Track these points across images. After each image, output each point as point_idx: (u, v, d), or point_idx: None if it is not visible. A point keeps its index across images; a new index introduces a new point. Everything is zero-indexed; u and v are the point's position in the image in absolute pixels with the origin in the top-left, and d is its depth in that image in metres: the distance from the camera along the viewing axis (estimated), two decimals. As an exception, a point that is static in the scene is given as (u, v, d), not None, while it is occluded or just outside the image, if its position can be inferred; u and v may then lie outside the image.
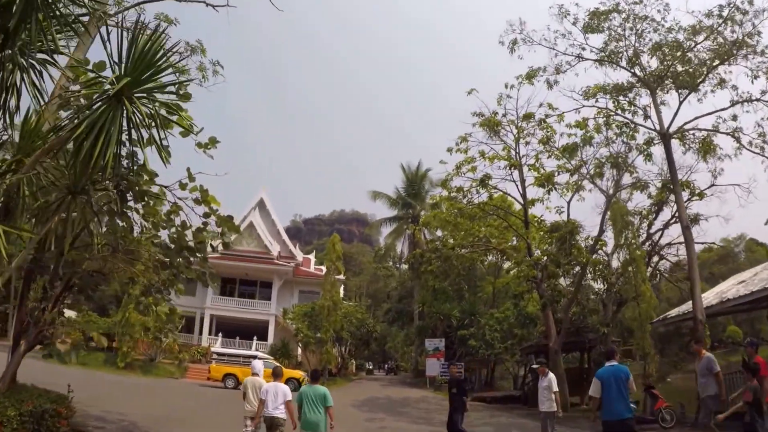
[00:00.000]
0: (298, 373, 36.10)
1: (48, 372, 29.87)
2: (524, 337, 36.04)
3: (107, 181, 11.62)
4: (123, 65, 8.63)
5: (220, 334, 53.14)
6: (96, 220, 12.76)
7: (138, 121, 8.96)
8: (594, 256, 27.06)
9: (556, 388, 14.91)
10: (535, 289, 28.44)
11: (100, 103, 9.00)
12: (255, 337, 52.81)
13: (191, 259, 12.96)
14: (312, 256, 67.76)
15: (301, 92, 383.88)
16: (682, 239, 28.57)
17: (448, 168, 28.78)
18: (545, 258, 27.15)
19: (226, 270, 57.13)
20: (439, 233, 38.74)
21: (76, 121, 9.23)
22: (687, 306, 25.00)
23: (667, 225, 28.10)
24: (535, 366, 15.72)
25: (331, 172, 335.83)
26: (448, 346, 42.29)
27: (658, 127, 24.71)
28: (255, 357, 36.42)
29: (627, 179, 27.46)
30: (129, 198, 12.18)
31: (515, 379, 43.94)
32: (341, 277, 61.00)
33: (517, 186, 28.77)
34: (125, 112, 8.78)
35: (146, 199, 12.32)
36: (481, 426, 21.70)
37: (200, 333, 55.27)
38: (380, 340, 63.98)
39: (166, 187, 13.04)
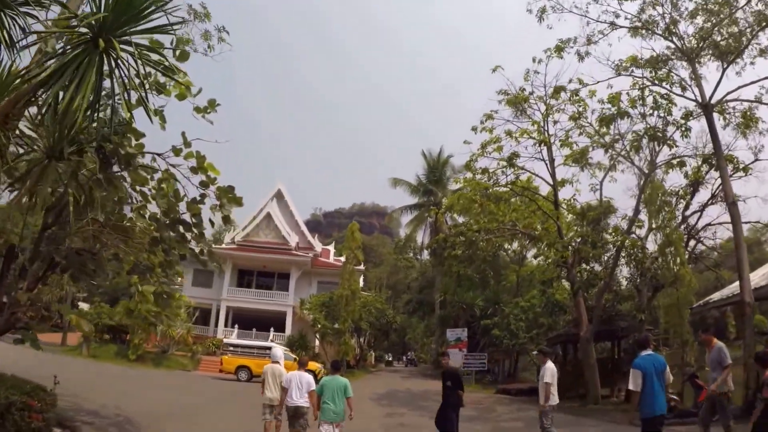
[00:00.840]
0: (315, 365, 34.67)
1: (54, 364, 28.82)
2: (551, 327, 34.22)
3: (89, 144, 10.17)
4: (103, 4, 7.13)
5: (236, 326, 51.92)
6: (80, 188, 11.36)
7: (122, 74, 7.67)
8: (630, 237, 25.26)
9: (547, 379, 13.03)
10: (565, 275, 26.59)
11: (71, 48, 7.53)
12: (272, 329, 51.64)
13: (186, 235, 11.34)
14: (331, 247, 66.32)
15: (321, 86, 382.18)
16: (721, 219, 26.72)
17: (473, 148, 27.01)
18: (578, 240, 25.22)
19: (244, 261, 56.34)
20: (461, 219, 37.02)
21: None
22: (729, 289, 23.08)
23: (706, 204, 26.01)
24: (535, 353, 13.81)
25: (352, 165, 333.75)
26: (470, 336, 40.42)
27: (699, 99, 22.79)
28: (269, 348, 35.11)
29: (663, 157, 25.44)
30: (113, 163, 10.62)
31: (539, 370, 42.19)
32: (361, 267, 59.64)
33: (546, 165, 26.91)
34: (105, 59, 7.30)
35: (133, 164, 10.75)
36: (509, 421, 20.00)
37: (216, 325, 54.20)
38: (400, 331, 62.31)
39: (158, 154, 11.51)
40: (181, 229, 11.27)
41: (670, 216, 24.78)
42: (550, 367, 13.17)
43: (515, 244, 41.15)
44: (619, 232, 24.93)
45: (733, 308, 23.39)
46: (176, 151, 11.30)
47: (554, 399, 13.10)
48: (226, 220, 11.32)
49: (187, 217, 11.53)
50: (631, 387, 9.39)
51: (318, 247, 61.23)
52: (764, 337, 23.94)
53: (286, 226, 57.20)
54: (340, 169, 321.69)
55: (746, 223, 26.17)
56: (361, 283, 57.77)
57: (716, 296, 23.71)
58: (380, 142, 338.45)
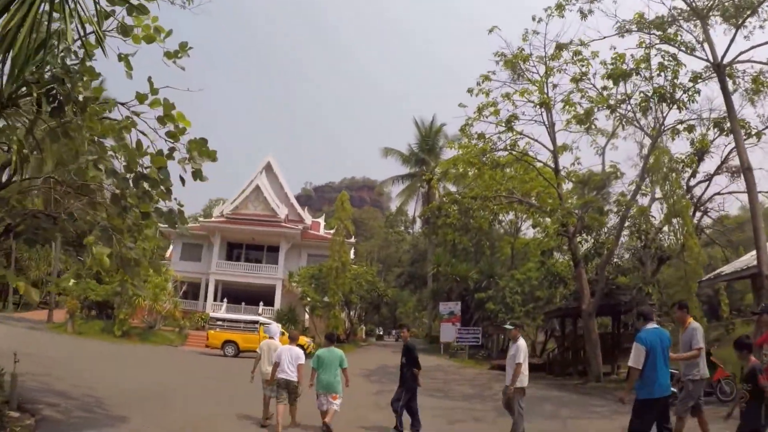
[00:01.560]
0: (303, 340, 33.45)
1: (35, 341, 27.50)
2: (549, 300, 32.90)
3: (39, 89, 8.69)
4: None
5: (225, 300, 50.64)
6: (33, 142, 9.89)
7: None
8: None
9: (520, 359, 11.06)
10: (567, 244, 25.13)
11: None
12: (261, 303, 50.55)
13: (152, 191, 9.80)
14: (321, 220, 64.89)
15: (310, 59, 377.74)
16: (730, 189, 25.40)
17: (469, 112, 25.37)
18: (582, 206, 23.73)
19: (233, 234, 54.99)
20: (455, 189, 35.48)
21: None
22: (742, 262, 21.74)
23: (716, 171, 24.65)
24: (508, 327, 11.92)
25: (343, 139, 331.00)
26: (464, 310, 39.10)
27: (710, 59, 21.23)
28: (256, 322, 33.94)
29: (670, 122, 23.85)
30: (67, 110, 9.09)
31: (533, 345, 40.93)
32: (351, 240, 58.28)
33: (546, 129, 25.30)
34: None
35: (90, 111, 9.22)
36: (509, 399, 18.64)
37: (205, 299, 52.81)
38: (391, 305, 61.10)
39: (122, 103, 9.98)
40: (145, 185, 9.72)
41: (676, 184, 23.40)
42: (522, 344, 11.40)
43: (510, 215, 39.74)
44: (625, 198, 23.48)
45: (752, 281, 21.97)
46: (141, 98, 9.74)
47: (525, 380, 11.38)
48: (197, 175, 9.77)
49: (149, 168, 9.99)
50: (631, 363, 8.13)
51: (308, 219, 59.70)
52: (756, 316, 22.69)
53: (276, 198, 55.74)
54: (331, 143, 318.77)
55: (763, 192, 24.96)
56: (352, 257, 56.56)
57: (727, 269, 22.30)
58: (372, 115, 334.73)
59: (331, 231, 49.89)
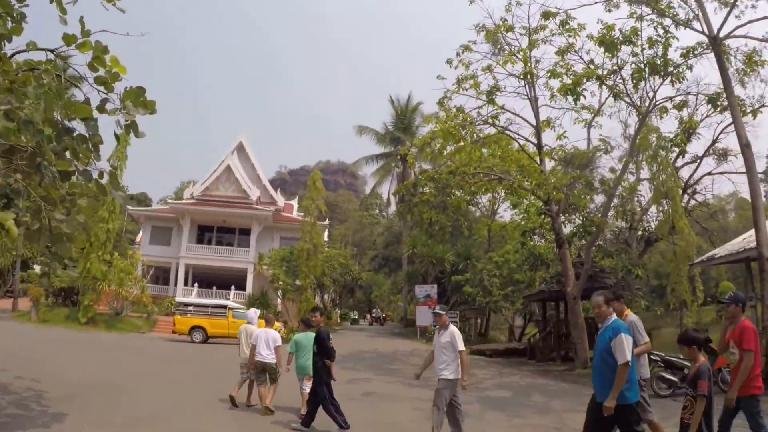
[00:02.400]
0: (275, 325, 31.59)
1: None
2: (530, 283, 31.43)
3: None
4: None
5: (195, 285, 48.66)
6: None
7: None
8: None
9: (461, 346, 9.32)
10: (550, 224, 23.51)
11: None
12: (233, 287, 48.65)
13: (76, 148, 7.98)
14: (295, 203, 62.71)
15: (286, 40, 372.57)
16: (721, 169, 24.09)
17: (448, 84, 23.62)
18: (567, 183, 22.06)
19: (203, 216, 52.92)
20: (430, 168, 33.61)
21: None
22: (737, 244, 20.35)
23: (706, 152, 23.29)
24: (439, 312, 9.95)
25: (320, 122, 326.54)
26: (440, 293, 37.53)
27: (706, 32, 19.68)
28: (224, 307, 32.21)
29: (660, 98, 22.30)
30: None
31: (511, 329, 39.62)
32: (325, 223, 56.48)
33: (530, 102, 23.58)
34: None
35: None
36: (494, 389, 17.07)
37: (176, 284, 50.66)
38: (366, 288, 59.50)
39: (51, 51, 8.15)
40: (70, 141, 7.90)
41: (665, 163, 21.96)
42: (457, 331, 9.64)
43: (488, 196, 38.21)
44: (616, 173, 22.00)
45: (745, 265, 20.57)
46: (68, 39, 7.88)
47: (458, 371, 9.53)
48: (132, 129, 7.93)
49: (81, 129, 8.14)
50: (626, 359, 6.26)
51: (280, 201, 57.68)
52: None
53: (248, 179, 53.72)
54: (308, 127, 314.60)
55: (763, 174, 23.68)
56: (326, 239, 54.84)
57: (721, 251, 20.85)
58: (350, 97, 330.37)
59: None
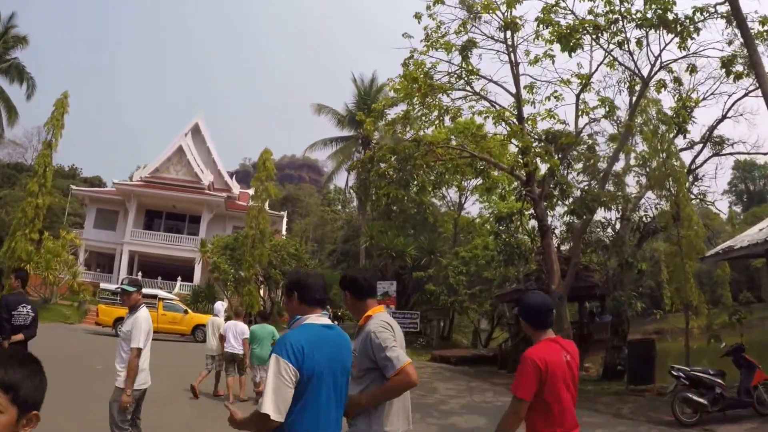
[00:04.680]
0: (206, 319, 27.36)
1: None
2: (502, 282, 26.91)
3: None
4: None
5: (140, 274, 43.41)
6: None
7: None
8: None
9: (141, 341, 6.08)
10: (532, 209, 18.91)
11: None
12: (179, 278, 43.81)
13: None
14: (251, 191, 57.58)
15: (259, 33, 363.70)
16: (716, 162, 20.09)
17: (414, 43, 19.08)
18: (558, 150, 17.55)
19: (150, 200, 47.72)
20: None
21: None
22: (751, 235, 16.15)
23: (720, 120, 19.00)
24: (128, 288, 5.91)
25: (285, 116, 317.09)
26: (400, 291, 32.80)
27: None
28: (155, 296, 27.62)
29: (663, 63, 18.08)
30: None
31: (475, 333, 35.00)
32: (282, 213, 51.56)
33: (511, 65, 19.02)
34: None
35: None
36: (461, 412, 12.45)
37: (119, 272, 45.29)
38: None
39: None
40: None
41: (667, 141, 17.73)
42: (145, 316, 6.18)
43: (453, 192, 33.71)
44: (618, 137, 17.45)
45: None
46: None
47: (144, 377, 6.35)
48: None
49: None
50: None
51: (236, 189, 52.68)
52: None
53: (201, 163, 48.53)
54: (271, 119, 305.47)
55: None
56: (284, 233, 50.04)
57: (736, 243, 16.55)
58: (316, 92, 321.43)
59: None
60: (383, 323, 3.76)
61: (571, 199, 17.79)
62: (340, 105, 47.72)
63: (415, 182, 21.51)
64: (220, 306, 14.62)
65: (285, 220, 55.71)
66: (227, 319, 14.15)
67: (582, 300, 22.04)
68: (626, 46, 16.98)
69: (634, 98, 18.25)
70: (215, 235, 39.80)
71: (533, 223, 22.79)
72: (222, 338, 12.36)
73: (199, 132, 51.95)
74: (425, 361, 23.71)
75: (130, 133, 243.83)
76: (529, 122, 19.36)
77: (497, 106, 18.87)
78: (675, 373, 11.23)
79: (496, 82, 19.45)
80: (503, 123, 18.39)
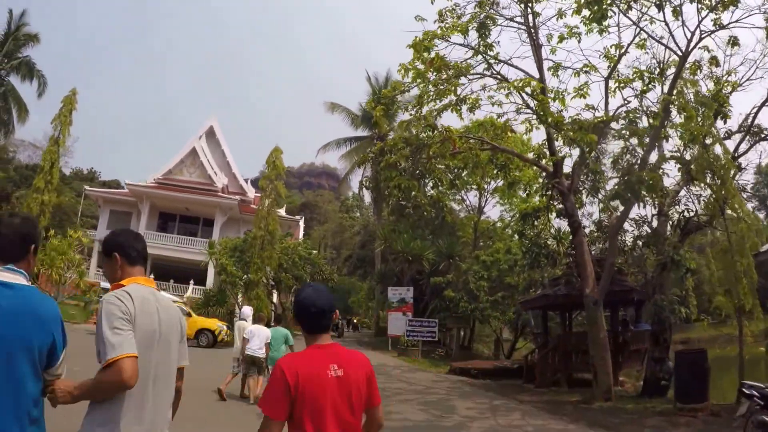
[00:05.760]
0: (213, 323, 25.76)
1: None
2: (527, 288, 24.66)
3: None
4: None
5: (152, 276, 41.78)
6: None
7: None
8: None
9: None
10: (562, 204, 16.66)
11: None
12: (192, 281, 42.45)
13: None
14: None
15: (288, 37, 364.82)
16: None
17: (428, 26, 17.02)
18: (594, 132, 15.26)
19: (164, 203, 46.52)
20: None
21: None
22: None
23: (762, 105, 16.62)
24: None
25: (305, 124, 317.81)
26: (417, 297, 30.72)
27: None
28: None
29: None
30: None
31: (497, 343, 32.67)
32: (297, 218, 49.81)
33: (533, 49, 16.86)
34: None
35: None
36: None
37: (131, 274, 43.88)
38: (340, 291, 52.79)
39: None
40: None
41: (709, 120, 15.44)
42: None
43: (472, 196, 31.54)
44: (658, 117, 15.10)
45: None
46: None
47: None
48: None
49: None
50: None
51: (251, 193, 51.11)
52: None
53: (214, 165, 47.21)
54: (293, 129, 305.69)
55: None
56: (301, 238, 48.33)
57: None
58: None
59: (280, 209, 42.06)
60: (124, 293, 2.90)
61: (602, 193, 15.57)
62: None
63: (430, 178, 19.45)
64: (248, 310, 15.09)
65: (302, 226, 54.21)
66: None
67: (616, 306, 19.60)
68: (662, 12, 14.77)
69: (668, 82, 16.12)
70: (224, 237, 38.25)
71: (558, 224, 20.77)
72: (246, 340, 12.49)
73: (213, 135, 50.72)
74: (443, 373, 21.54)
75: (155, 140, 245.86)
76: (558, 101, 17.23)
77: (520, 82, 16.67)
78: (747, 392, 9.05)
79: (517, 67, 17.41)
80: (530, 96, 16.20)
